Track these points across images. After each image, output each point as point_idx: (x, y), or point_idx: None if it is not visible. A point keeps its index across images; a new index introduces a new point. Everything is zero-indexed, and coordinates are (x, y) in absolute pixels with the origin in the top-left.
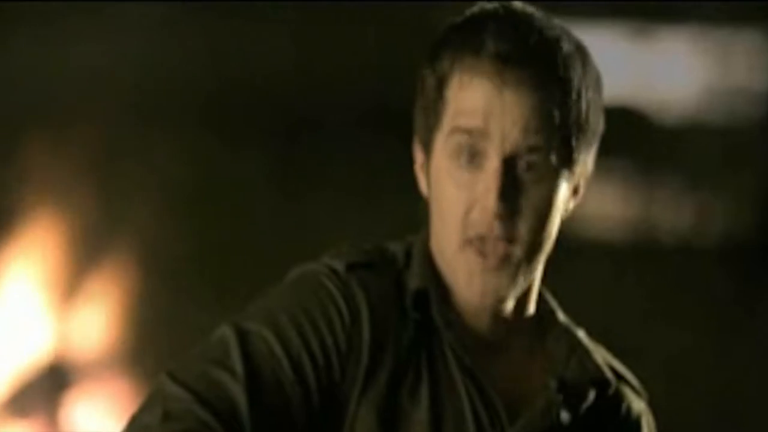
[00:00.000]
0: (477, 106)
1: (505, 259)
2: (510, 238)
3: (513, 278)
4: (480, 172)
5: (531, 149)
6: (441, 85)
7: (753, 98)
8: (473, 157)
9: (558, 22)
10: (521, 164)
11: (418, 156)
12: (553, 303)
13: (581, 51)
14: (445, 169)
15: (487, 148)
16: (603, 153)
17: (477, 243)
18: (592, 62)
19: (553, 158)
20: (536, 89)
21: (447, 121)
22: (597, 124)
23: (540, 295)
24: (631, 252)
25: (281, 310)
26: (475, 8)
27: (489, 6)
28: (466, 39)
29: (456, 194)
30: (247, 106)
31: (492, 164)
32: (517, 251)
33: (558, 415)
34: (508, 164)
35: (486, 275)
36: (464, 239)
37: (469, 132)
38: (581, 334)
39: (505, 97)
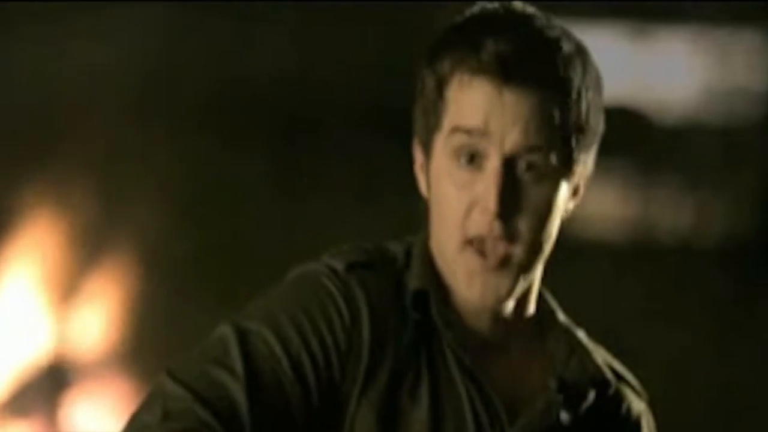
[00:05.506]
0: (477, 105)
1: (505, 260)
2: (510, 238)
3: (513, 278)
4: (480, 172)
5: (531, 149)
6: (441, 85)
7: (752, 98)
8: (473, 157)
9: (558, 23)
10: (521, 164)
11: (418, 156)
12: (553, 303)
13: (581, 52)
14: (445, 169)
15: (486, 148)
16: (602, 153)
17: (477, 243)
18: (592, 63)
19: (553, 158)
20: (536, 89)
21: (447, 122)
22: (597, 125)
23: (540, 296)
24: (630, 252)
25: (281, 310)
26: (476, 8)
27: (489, 6)
28: (466, 39)
29: (456, 194)
30: (247, 107)
31: (492, 164)
32: (517, 251)
33: (558, 415)
34: (508, 164)
35: (486, 275)
36: (464, 239)
37: (468, 132)
38: (581, 334)
39: (505, 97)
